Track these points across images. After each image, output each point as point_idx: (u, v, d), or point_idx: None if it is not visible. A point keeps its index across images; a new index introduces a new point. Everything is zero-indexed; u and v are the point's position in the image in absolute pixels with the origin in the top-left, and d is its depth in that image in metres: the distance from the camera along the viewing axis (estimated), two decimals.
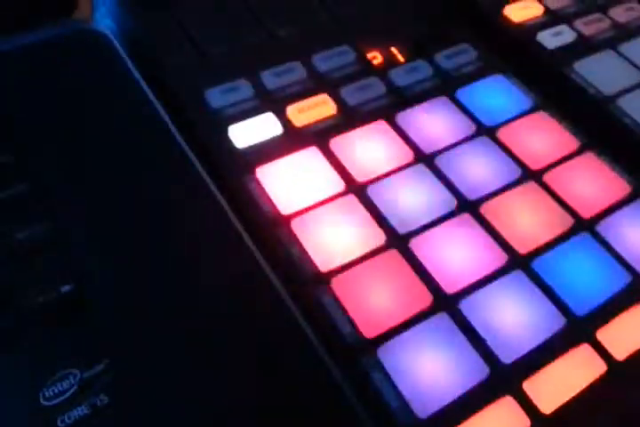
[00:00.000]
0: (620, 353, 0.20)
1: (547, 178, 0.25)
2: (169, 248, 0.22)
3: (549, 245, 0.23)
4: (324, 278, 0.21)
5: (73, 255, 0.21)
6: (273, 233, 0.22)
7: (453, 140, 0.26)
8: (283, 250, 0.22)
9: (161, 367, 0.19)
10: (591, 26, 0.31)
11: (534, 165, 0.25)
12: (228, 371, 0.19)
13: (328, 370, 0.20)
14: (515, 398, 0.19)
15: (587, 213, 0.24)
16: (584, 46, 0.30)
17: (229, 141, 0.24)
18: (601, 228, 0.23)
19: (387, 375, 0.19)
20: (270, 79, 0.26)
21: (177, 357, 0.19)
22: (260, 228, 0.22)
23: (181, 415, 0.19)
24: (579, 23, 0.31)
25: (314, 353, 0.20)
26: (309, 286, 0.21)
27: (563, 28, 0.30)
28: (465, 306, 0.21)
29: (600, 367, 0.20)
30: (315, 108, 0.26)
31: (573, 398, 0.19)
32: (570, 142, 0.26)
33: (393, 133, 0.25)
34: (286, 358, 0.20)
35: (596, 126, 0.27)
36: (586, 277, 0.22)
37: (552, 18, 0.31)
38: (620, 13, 0.32)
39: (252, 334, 0.20)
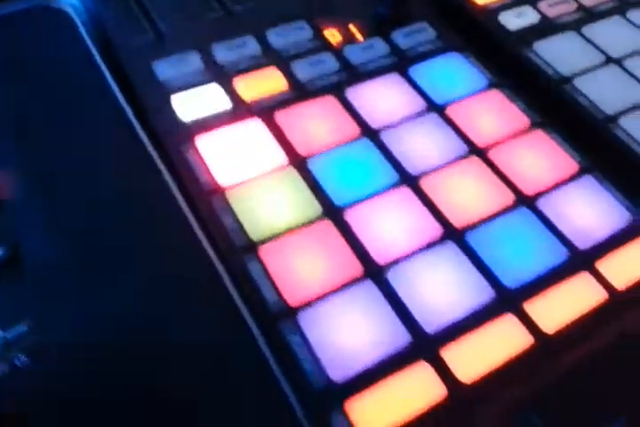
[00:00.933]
0: (548, 326, 0.20)
1: (492, 154, 0.24)
2: (106, 212, 0.22)
3: (486, 220, 0.22)
4: (254, 247, 0.21)
5: (6, 218, 0.21)
6: (208, 202, 0.22)
7: (401, 116, 0.26)
8: (217, 219, 0.22)
9: (84, 331, 0.19)
10: (556, 7, 0.30)
11: (481, 142, 0.25)
12: (155, 334, 0.20)
13: (252, 336, 0.20)
14: (432, 365, 0.19)
15: (530, 190, 0.24)
16: (547, 28, 0.30)
17: (172, 111, 0.25)
18: (542, 204, 0.23)
19: (305, 339, 0.19)
20: (221, 52, 0.26)
21: (104, 323, 0.20)
22: (197, 197, 0.23)
23: (103, 379, 0.19)
24: (543, 5, 0.30)
25: (240, 320, 0.20)
26: (239, 254, 0.21)
27: (526, 9, 0.30)
28: (393, 276, 0.21)
29: (527, 339, 0.20)
30: (264, 83, 0.26)
31: (495, 369, 0.19)
32: (520, 120, 0.26)
33: (340, 108, 0.25)
34: (213, 323, 0.20)
35: (551, 106, 0.27)
36: (521, 251, 0.22)
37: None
38: None
39: (182, 299, 0.21)
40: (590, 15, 0.31)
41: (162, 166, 0.24)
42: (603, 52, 0.29)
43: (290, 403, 0.18)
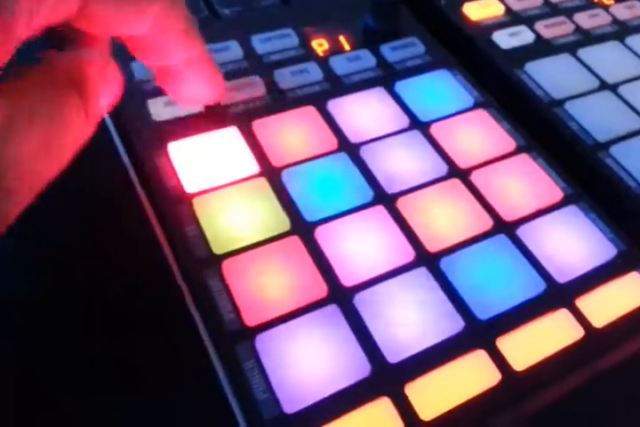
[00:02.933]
0: (518, 364, 0.19)
1: (474, 177, 0.23)
2: (71, 212, 0.22)
3: (461, 245, 0.21)
4: (215, 261, 0.20)
5: None
6: (174, 210, 0.21)
7: (383, 132, 0.24)
8: (180, 228, 0.21)
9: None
10: (552, 29, 0.30)
11: (463, 164, 0.24)
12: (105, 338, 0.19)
13: (208, 357, 0.19)
14: (392, 400, 0.18)
15: (510, 216, 0.22)
16: (541, 48, 0.29)
17: (147, 114, 0.23)
18: (522, 232, 0.22)
19: (259, 365, 0.18)
20: None
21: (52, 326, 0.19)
22: (163, 204, 0.21)
23: None
24: (539, 25, 0.30)
25: (197, 337, 0.19)
26: (199, 267, 0.20)
27: (521, 28, 0.29)
28: (360, 300, 0.20)
29: (495, 377, 0.19)
30: (243, 89, 0.25)
31: (457, 407, 0.18)
32: (506, 143, 0.25)
33: (320, 120, 0.24)
34: (170, 337, 0.19)
35: (539, 129, 0.26)
36: (496, 281, 0.21)
37: (512, 18, 0.30)
38: (584, 19, 0.30)
39: (138, 307, 0.20)
40: (587, 38, 0.30)
41: (131, 170, 0.23)
42: (597, 76, 0.28)
43: None
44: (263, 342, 0.18)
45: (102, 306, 0.20)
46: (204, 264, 0.20)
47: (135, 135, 0.23)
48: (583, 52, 0.29)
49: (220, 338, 0.19)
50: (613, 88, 0.27)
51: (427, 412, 0.18)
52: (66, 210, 0.23)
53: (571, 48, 0.29)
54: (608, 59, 0.29)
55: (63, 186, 0.23)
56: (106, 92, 0.17)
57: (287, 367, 0.18)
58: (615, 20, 0.31)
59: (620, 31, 0.30)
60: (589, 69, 0.28)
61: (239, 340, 0.18)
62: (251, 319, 0.19)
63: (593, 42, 0.29)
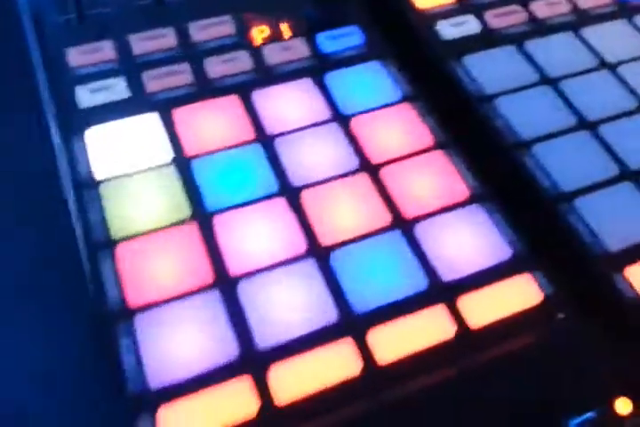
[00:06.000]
0: (383, 357, 0.20)
1: (383, 173, 0.24)
2: None
3: (354, 240, 0.22)
4: (111, 244, 0.21)
5: None
6: (81, 195, 0.23)
7: (301, 124, 0.25)
8: (86, 214, 0.22)
9: None
10: (502, 18, 0.29)
11: (376, 159, 0.24)
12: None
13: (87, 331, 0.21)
14: (254, 381, 0.19)
15: (410, 213, 0.23)
16: (485, 40, 0.28)
17: (73, 101, 0.25)
18: (419, 229, 0.22)
19: (135, 343, 0.19)
20: (137, 43, 0.26)
21: None
22: (74, 189, 0.23)
23: None
24: (489, 14, 0.29)
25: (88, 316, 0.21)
26: (95, 250, 0.21)
27: (468, 18, 0.29)
28: (243, 288, 0.21)
29: (356, 367, 0.20)
30: (170, 76, 0.25)
31: (316, 393, 0.19)
32: (425, 139, 0.25)
33: (241, 110, 0.25)
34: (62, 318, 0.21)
35: (464, 125, 0.25)
36: (380, 275, 0.21)
37: (462, 7, 0.29)
38: (541, 7, 0.29)
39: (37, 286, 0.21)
40: (539, 29, 0.29)
41: (61, 153, 0.24)
42: (539, 70, 0.27)
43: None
44: (142, 321, 0.20)
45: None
46: (100, 247, 0.21)
47: (59, 122, 0.24)
48: (530, 44, 0.28)
49: (102, 317, 0.20)
50: (554, 83, 0.27)
51: (283, 396, 0.19)
52: None
53: (517, 39, 0.28)
54: (556, 51, 0.28)
55: None
56: None
57: (160, 346, 0.19)
58: (576, 9, 0.30)
59: (578, 21, 0.29)
60: (532, 62, 0.27)
61: (121, 319, 0.20)
62: (134, 300, 0.20)
63: (544, 33, 0.28)
